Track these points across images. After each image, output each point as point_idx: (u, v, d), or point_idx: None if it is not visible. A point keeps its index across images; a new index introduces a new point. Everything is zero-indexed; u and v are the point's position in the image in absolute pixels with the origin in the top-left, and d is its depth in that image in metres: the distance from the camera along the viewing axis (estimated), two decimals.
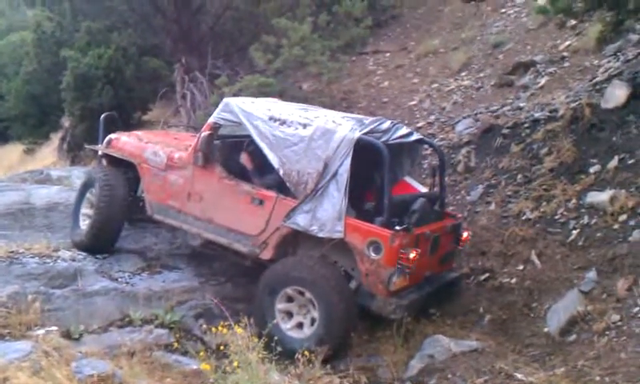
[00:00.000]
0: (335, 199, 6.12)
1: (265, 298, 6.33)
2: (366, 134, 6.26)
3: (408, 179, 7.35)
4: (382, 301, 6.09)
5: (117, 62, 15.04)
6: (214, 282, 7.51)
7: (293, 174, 6.36)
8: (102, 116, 8.54)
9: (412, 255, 5.90)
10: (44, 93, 21.03)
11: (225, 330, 5.01)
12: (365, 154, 6.24)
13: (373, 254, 5.97)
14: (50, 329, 5.92)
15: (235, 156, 7.39)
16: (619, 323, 5.71)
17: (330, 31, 12.96)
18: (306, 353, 5.35)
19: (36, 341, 5.50)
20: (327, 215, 6.14)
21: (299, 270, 6.21)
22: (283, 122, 6.54)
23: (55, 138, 20.73)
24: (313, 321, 6.23)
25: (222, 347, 5.26)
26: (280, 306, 6.30)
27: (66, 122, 18.74)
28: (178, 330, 6.42)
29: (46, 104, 21.57)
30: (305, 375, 5.31)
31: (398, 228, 5.91)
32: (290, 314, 6.35)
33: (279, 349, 5.16)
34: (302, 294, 6.24)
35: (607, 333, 5.69)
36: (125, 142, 7.90)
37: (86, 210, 7.78)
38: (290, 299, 6.32)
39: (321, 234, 6.20)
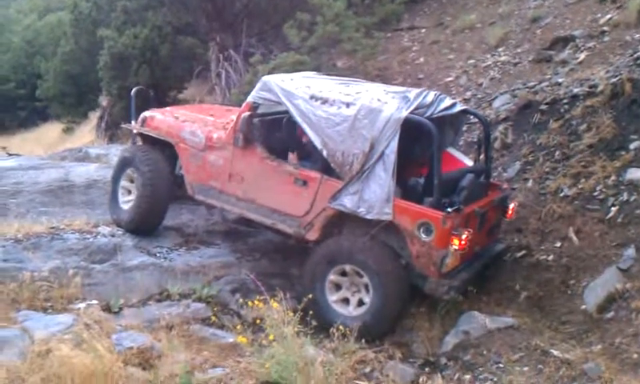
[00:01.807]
0: (383, 180, 6.00)
1: (320, 265, 6.28)
2: (412, 111, 6.09)
3: (452, 151, 7.16)
4: (434, 282, 5.99)
5: (152, 41, 15.18)
6: (250, 258, 7.58)
7: (337, 155, 6.23)
8: (133, 90, 8.56)
9: (464, 236, 5.79)
10: (82, 72, 21.35)
11: (261, 305, 5.07)
12: (409, 129, 6.10)
13: (424, 236, 5.85)
14: (91, 302, 6.07)
15: (275, 134, 7.36)
16: None
17: (364, 7, 12.92)
18: (341, 327, 5.38)
19: (77, 314, 5.65)
20: (375, 197, 6.02)
21: (366, 255, 6.09)
22: (325, 101, 6.39)
23: (93, 117, 21.08)
24: (360, 302, 6.22)
25: (258, 321, 5.32)
26: (332, 277, 6.27)
27: (103, 101, 19.04)
28: (214, 305, 6.51)
29: (83, 83, 21.92)
30: (340, 349, 5.35)
31: (449, 210, 5.78)
32: (338, 287, 6.32)
33: (315, 322, 5.19)
34: (359, 275, 6.17)
35: None
36: (160, 120, 7.85)
37: (125, 182, 7.75)
38: (343, 274, 6.28)
39: (369, 216, 6.07)
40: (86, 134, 21.04)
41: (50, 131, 25.81)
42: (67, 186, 9.32)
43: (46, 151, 16.80)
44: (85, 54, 19.94)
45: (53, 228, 7.34)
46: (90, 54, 18.91)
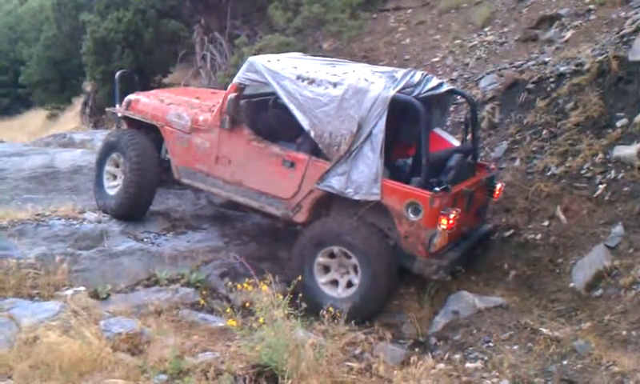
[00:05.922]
0: (370, 161, 5.97)
1: (308, 248, 6.26)
2: (399, 90, 6.06)
3: (438, 131, 7.14)
4: (422, 262, 5.98)
5: (136, 25, 15.03)
6: (238, 242, 7.54)
7: (325, 136, 6.18)
8: (117, 74, 8.48)
9: (452, 215, 5.79)
10: (65, 58, 21.15)
11: (250, 288, 5.03)
12: (396, 109, 6.06)
13: (412, 216, 5.84)
14: (78, 289, 5.99)
15: (262, 115, 7.28)
16: None
17: None
18: (331, 309, 5.37)
19: (64, 301, 5.58)
20: (363, 177, 6.00)
21: (354, 236, 6.05)
22: (312, 81, 6.33)
23: (77, 103, 20.91)
24: (349, 284, 6.20)
25: (247, 305, 5.29)
26: (321, 259, 6.25)
27: (87, 86, 18.89)
28: (203, 289, 6.48)
29: (66, 69, 21.72)
30: (330, 331, 5.34)
31: (437, 189, 5.78)
32: (326, 269, 6.31)
33: (305, 304, 5.17)
34: (347, 256, 6.16)
35: (634, 287, 5.64)
36: (146, 103, 7.77)
37: (110, 167, 7.66)
38: (331, 255, 6.26)
39: (356, 197, 6.06)
40: (70, 120, 20.84)
41: (34, 118, 25.52)
42: (52, 172, 9.20)
43: (30, 138, 16.62)
44: (68, 39, 19.70)
45: (38, 215, 7.23)
46: (72, 39, 18.69)
